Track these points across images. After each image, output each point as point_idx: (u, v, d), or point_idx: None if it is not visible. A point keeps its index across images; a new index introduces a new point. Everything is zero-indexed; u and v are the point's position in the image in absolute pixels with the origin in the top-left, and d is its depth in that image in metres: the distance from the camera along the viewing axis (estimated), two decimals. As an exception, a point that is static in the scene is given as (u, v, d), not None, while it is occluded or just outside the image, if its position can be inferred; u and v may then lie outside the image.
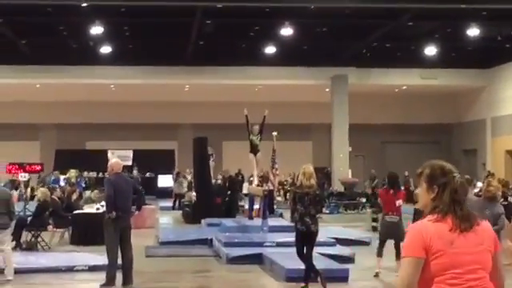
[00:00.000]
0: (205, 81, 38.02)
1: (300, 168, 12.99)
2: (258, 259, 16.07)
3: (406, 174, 37.24)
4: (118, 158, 17.96)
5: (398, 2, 25.20)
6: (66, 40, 33.38)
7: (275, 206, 27.79)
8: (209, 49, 34.45)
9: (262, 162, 22.60)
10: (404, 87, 41.30)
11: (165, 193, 38.43)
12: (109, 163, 13.48)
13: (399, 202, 14.03)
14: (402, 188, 16.70)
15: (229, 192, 28.41)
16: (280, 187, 34.31)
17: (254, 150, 21.74)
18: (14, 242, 17.09)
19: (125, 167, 17.30)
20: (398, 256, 14.20)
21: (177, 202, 32.97)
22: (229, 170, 34.20)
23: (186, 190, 32.13)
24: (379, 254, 14.36)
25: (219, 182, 32.09)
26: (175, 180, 35.91)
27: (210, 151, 29.88)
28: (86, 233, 19.26)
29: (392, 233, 14.21)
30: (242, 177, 38.04)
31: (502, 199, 16.65)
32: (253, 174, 23.22)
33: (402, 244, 14.15)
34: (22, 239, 18.42)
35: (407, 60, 36.58)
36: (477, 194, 15.37)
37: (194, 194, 28.55)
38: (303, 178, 12.50)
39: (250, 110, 21.62)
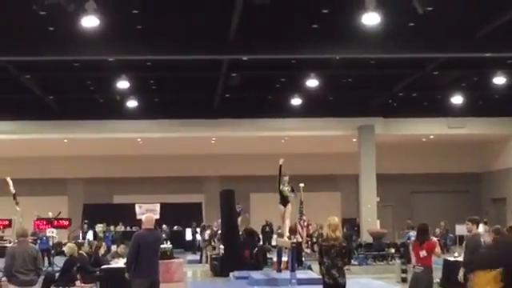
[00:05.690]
0: (231, 133, 38.03)
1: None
2: (286, 312, 15.93)
3: (443, 223, 36.94)
4: (146, 211, 17.92)
5: (423, 52, 25.10)
6: (93, 95, 33.60)
7: (303, 259, 27.61)
8: (235, 101, 34.50)
9: (292, 214, 22.34)
10: (431, 136, 41.07)
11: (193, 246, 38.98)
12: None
13: (423, 253, 13.82)
14: (435, 238, 16.51)
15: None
16: (308, 239, 34.09)
17: (285, 201, 21.36)
18: (42, 298, 17.04)
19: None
20: None
21: (203, 255, 32.87)
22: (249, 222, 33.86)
23: (207, 242, 31.92)
24: None
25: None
26: (201, 233, 35.82)
27: (239, 207, 29.75)
28: (113, 288, 19.17)
29: (414, 285, 13.99)
30: (271, 228, 37.88)
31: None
32: (281, 225, 22.94)
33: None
34: (50, 295, 18.38)
35: (434, 109, 36.46)
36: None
37: (222, 246, 28.43)
38: (328, 230, 12.33)
39: (275, 162, 21.27)
